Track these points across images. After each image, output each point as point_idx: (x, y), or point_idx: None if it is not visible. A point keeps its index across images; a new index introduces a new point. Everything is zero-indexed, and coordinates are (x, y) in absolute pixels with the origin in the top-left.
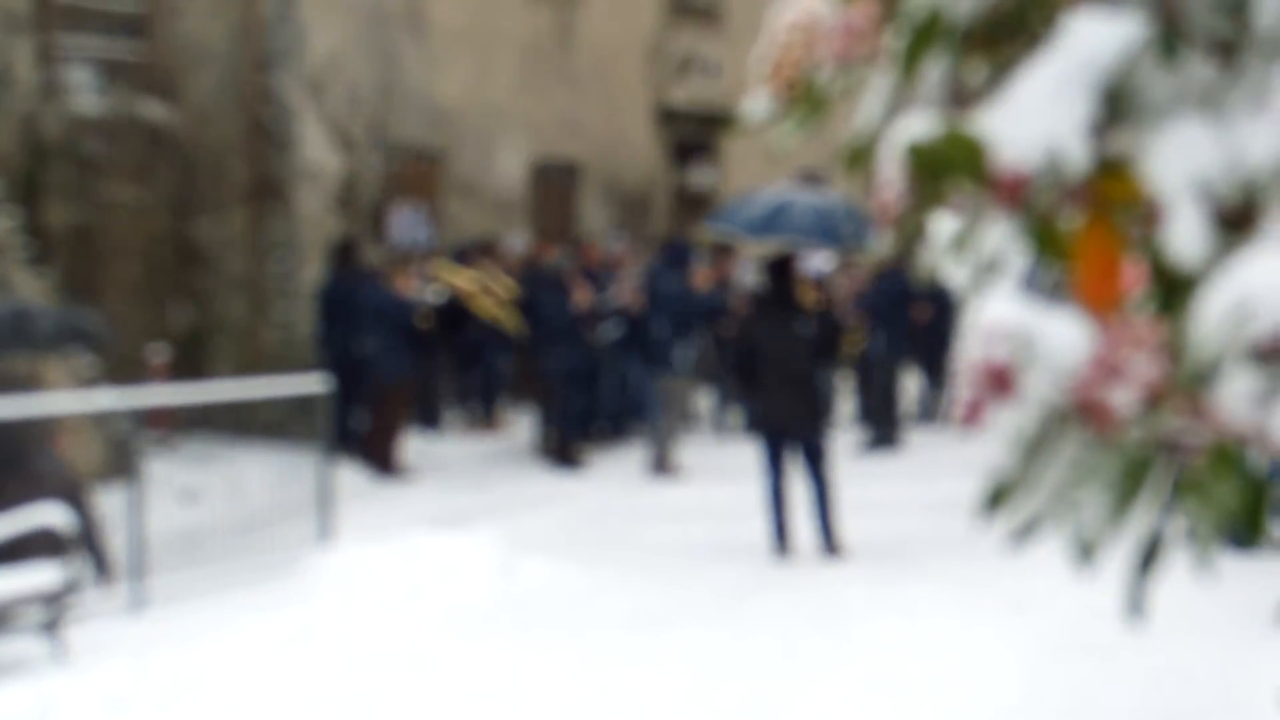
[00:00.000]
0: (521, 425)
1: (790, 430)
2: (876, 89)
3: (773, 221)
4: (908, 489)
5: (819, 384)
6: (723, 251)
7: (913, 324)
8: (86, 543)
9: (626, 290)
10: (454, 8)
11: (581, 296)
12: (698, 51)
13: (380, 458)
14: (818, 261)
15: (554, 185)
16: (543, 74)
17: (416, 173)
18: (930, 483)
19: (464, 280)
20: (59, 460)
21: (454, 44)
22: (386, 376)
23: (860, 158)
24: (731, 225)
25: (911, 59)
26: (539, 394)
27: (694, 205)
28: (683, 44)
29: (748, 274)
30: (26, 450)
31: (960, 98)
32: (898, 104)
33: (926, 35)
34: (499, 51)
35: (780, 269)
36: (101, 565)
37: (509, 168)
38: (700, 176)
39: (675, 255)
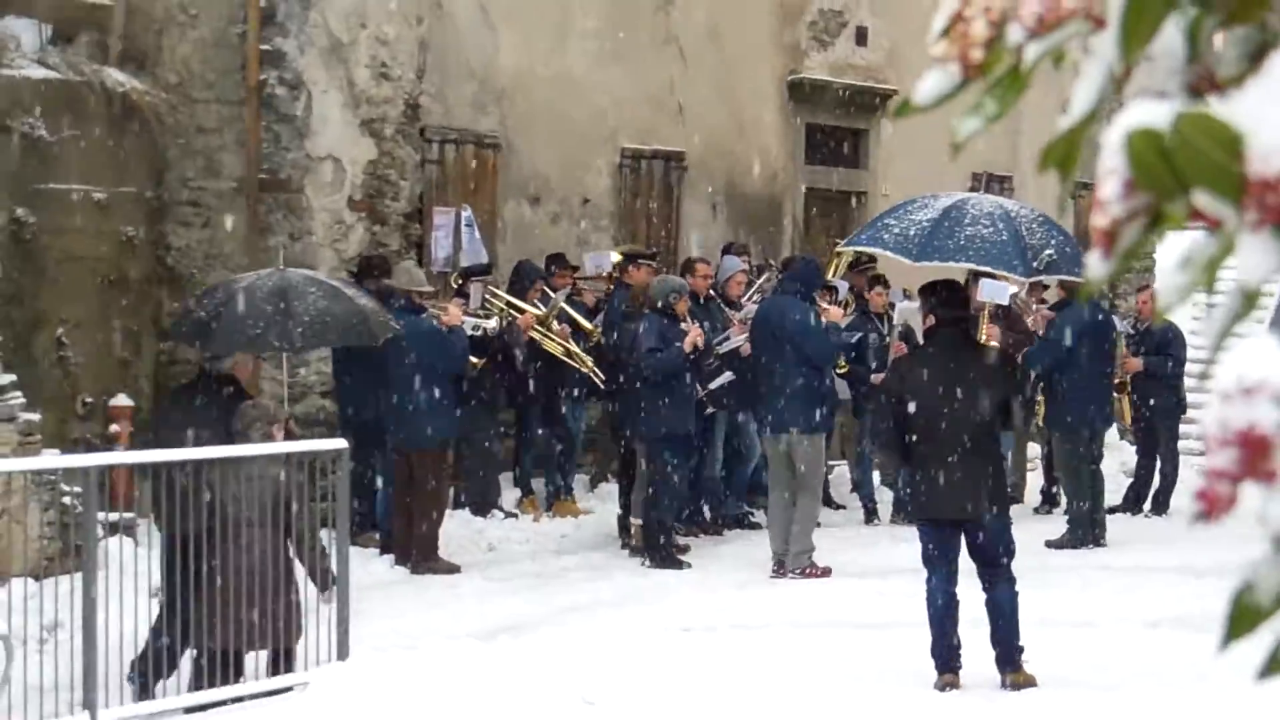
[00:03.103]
0: (602, 503)
1: (962, 514)
2: (1093, 63)
3: (934, 238)
4: (1116, 598)
5: (998, 456)
6: (870, 276)
7: (1118, 376)
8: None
9: (738, 326)
10: None
11: (693, 336)
12: (846, 7)
13: (413, 544)
14: (991, 289)
15: (649, 185)
16: (636, 37)
17: (467, 167)
18: (1144, 590)
19: (530, 311)
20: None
21: None
22: (422, 437)
23: (1068, 156)
24: (879, 243)
25: (1139, 20)
26: (624, 463)
27: (835, 212)
28: None
29: (908, 301)
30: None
31: (1208, 80)
32: (1121, 85)
33: None
34: (577, 7)
35: (949, 295)
36: (322, 583)
37: (590, 161)
38: (844, 175)
39: (803, 279)
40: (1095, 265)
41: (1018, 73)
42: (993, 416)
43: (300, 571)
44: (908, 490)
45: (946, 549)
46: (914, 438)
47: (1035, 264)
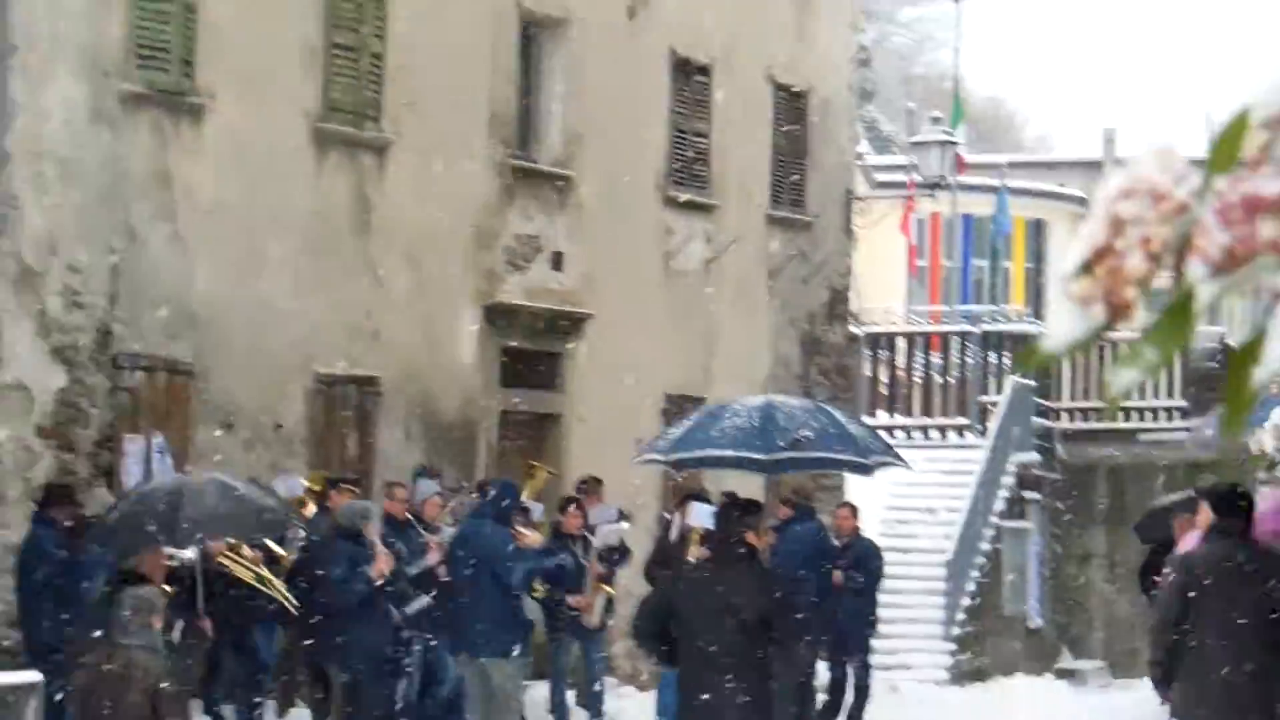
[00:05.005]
0: None
1: None
2: None
3: (693, 433)
4: None
5: (768, 672)
6: (564, 499)
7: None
8: None
9: (434, 549)
10: (215, 174)
11: (382, 564)
12: (542, 233)
13: None
14: (699, 513)
15: (344, 410)
16: (331, 263)
17: (160, 393)
18: None
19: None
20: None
21: (214, 222)
22: None
23: (1244, 411)
24: (651, 450)
25: None
26: (317, 689)
27: (530, 435)
28: (520, 223)
29: (610, 519)
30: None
31: None
32: None
33: None
34: (273, 232)
35: (736, 515)
36: None
37: (284, 387)
38: (539, 397)
39: (499, 502)
40: None
41: (1186, 314)
42: (758, 631)
43: None
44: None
45: None
46: (689, 651)
47: (781, 443)
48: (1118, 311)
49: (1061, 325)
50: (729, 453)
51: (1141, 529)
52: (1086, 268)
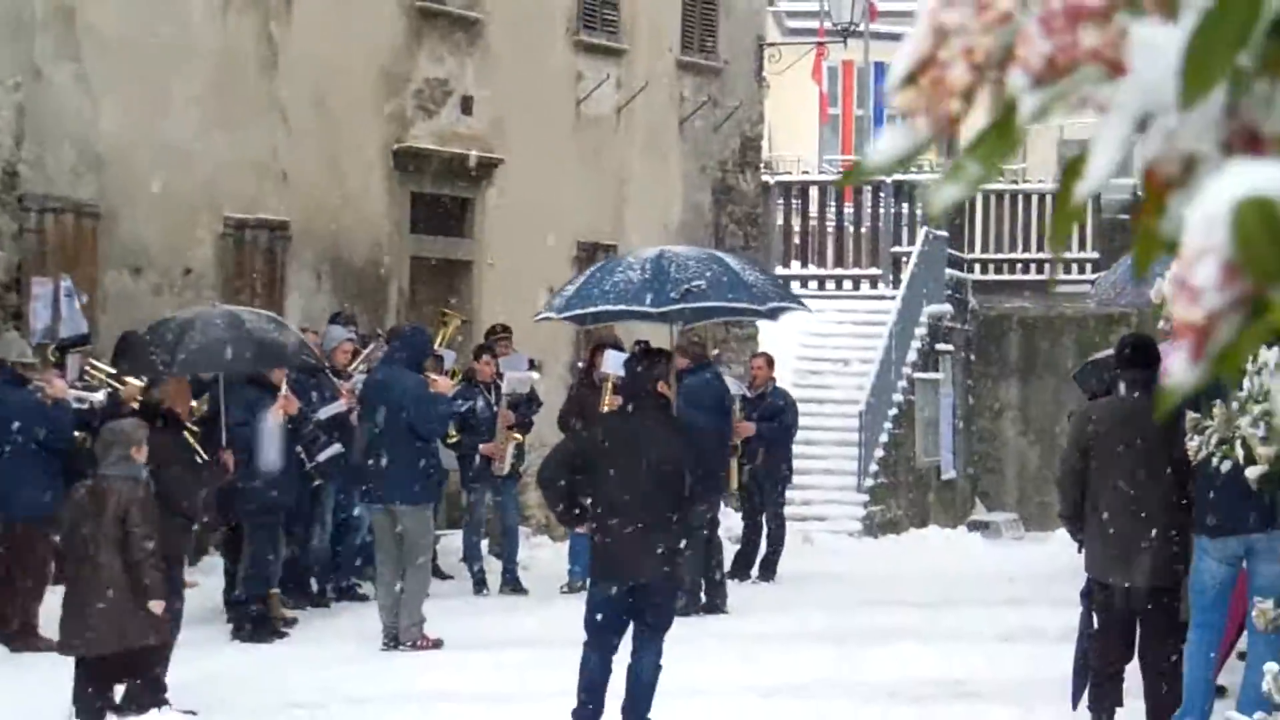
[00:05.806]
0: (205, 576)
1: (639, 577)
2: (1115, 120)
3: (585, 288)
4: (732, 667)
5: (682, 521)
6: (477, 346)
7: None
8: None
9: (346, 396)
10: (119, 12)
11: (285, 405)
12: (452, 77)
13: (8, 623)
14: (613, 361)
15: (254, 254)
16: (238, 105)
17: (67, 236)
18: (759, 658)
19: (132, 383)
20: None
21: (118, 62)
22: (20, 511)
23: (1064, 228)
24: (551, 309)
25: (1203, 70)
26: (231, 536)
27: (441, 281)
28: (430, 67)
29: (520, 368)
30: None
31: (1249, 137)
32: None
33: (1235, 27)
34: (179, 73)
35: (647, 365)
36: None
37: (192, 231)
38: (450, 243)
39: (411, 348)
40: (1182, 370)
41: (1009, 128)
42: (672, 481)
43: None
44: (593, 552)
45: (618, 618)
46: (604, 500)
47: (673, 294)
48: (941, 125)
49: (886, 140)
50: (620, 307)
51: (1081, 379)
52: (910, 79)
